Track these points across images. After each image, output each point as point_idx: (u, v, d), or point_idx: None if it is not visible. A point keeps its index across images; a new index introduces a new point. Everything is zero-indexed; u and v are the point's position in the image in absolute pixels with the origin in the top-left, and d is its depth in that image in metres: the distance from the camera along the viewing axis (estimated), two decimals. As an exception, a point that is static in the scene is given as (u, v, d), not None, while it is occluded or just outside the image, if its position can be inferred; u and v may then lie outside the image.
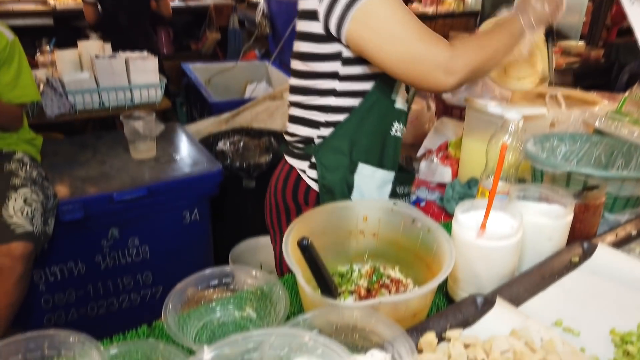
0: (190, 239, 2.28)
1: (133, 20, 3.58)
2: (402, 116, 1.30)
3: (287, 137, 1.33)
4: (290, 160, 1.31)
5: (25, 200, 1.76)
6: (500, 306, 0.78)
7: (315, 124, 1.25)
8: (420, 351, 0.70)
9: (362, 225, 1.01)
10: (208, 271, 0.88)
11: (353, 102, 1.21)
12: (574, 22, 4.60)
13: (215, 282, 0.89)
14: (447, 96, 1.92)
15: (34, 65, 2.72)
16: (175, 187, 2.15)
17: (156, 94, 2.86)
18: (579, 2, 4.44)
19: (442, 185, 1.67)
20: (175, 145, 2.53)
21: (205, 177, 2.21)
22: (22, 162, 1.93)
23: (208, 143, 2.62)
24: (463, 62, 1.08)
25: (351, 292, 0.93)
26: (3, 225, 1.68)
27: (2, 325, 1.70)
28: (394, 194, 1.31)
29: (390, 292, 0.93)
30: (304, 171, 1.28)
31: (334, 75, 1.18)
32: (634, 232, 1.07)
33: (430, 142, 1.81)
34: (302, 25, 1.18)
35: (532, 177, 1.31)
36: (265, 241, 2.09)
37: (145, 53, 2.87)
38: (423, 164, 1.73)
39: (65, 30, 4.42)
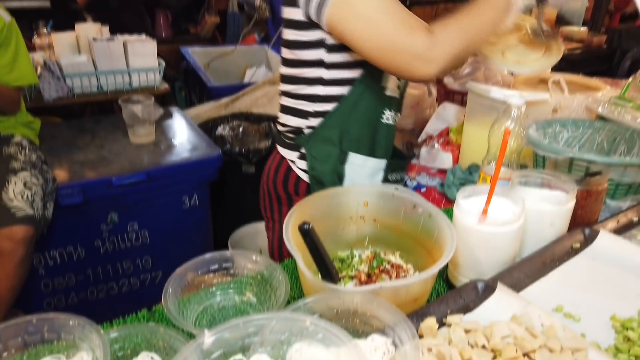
0: (190, 224, 2.28)
1: (124, 1, 3.52)
2: (394, 103, 1.28)
3: (279, 127, 1.32)
4: (281, 150, 1.30)
5: (25, 184, 1.75)
6: (501, 292, 0.78)
7: (304, 114, 1.23)
8: (420, 336, 0.69)
9: (362, 211, 1.01)
10: (208, 256, 0.87)
11: (341, 90, 1.19)
12: (576, 8, 4.56)
13: (215, 266, 0.88)
14: (448, 81, 1.91)
15: (31, 48, 2.69)
16: (174, 172, 2.14)
17: (155, 78, 2.83)
18: (583, -13, 4.41)
19: (442, 171, 1.66)
20: (174, 129, 2.52)
21: (205, 162, 2.20)
22: (21, 146, 1.92)
23: (207, 128, 2.61)
24: (443, 50, 1.03)
25: (351, 278, 0.92)
26: (4, 208, 1.68)
27: (2, 309, 1.71)
28: (385, 182, 1.30)
29: (390, 277, 0.93)
30: (293, 162, 1.27)
31: (319, 63, 1.16)
32: (635, 219, 1.07)
33: (431, 128, 1.80)
34: (286, 12, 1.16)
35: (533, 163, 1.30)
36: (264, 226, 2.10)
37: (143, 36, 2.84)
38: (424, 150, 1.72)
39: (63, 12, 4.35)
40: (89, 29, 2.80)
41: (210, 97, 3.01)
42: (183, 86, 4.06)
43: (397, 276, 0.93)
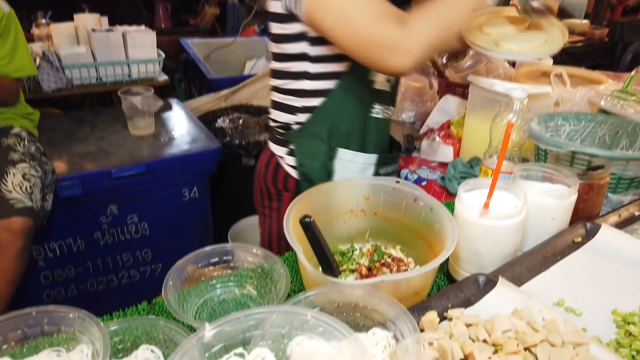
0: (190, 217, 2.28)
1: None
2: (385, 97, 1.25)
3: (270, 123, 1.30)
4: (271, 146, 1.29)
5: (24, 176, 1.75)
6: (502, 286, 0.78)
7: (292, 110, 1.21)
8: (421, 330, 0.69)
9: (363, 204, 1.00)
10: (208, 249, 0.87)
11: (328, 84, 1.16)
12: (578, 1, 4.54)
13: (216, 259, 0.88)
14: (450, 74, 1.90)
15: (29, 38, 2.67)
16: (174, 164, 2.14)
17: (154, 69, 2.82)
18: (585, -20, 4.38)
19: (443, 165, 1.65)
20: (174, 122, 2.51)
21: (205, 155, 2.20)
22: (19, 137, 1.91)
23: (207, 120, 2.60)
24: (418, 41, 0.98)
25: (352, 271, 0.92)
26: (2, 200, 1.67)
27: (1, 303, 1.70)
28: (377, 176, 1.28)
29: (391, 271, 0.92)
30: (282, 158, 1.26)
31: (304, 57, 1.14)
32: (637, 213, 1.06)
33: (432, 121, 1.79)
34: (269, 5, 1.14)
35: (535, 156, 1.30)
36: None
37: (142, 27, 2.82)
38: (424, 143, 1.71)
39: (62, 2, 4.34)
40: (87, 20, 2.79)
41: (210, 89, 3.00)
42: (183, 78, 4.04)
43: (398, 270, 0.93)
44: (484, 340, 0.66)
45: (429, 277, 0.84)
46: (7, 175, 1.73)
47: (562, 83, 1.57)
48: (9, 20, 1.85)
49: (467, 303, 0.76)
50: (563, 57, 3.51)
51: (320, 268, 0.82)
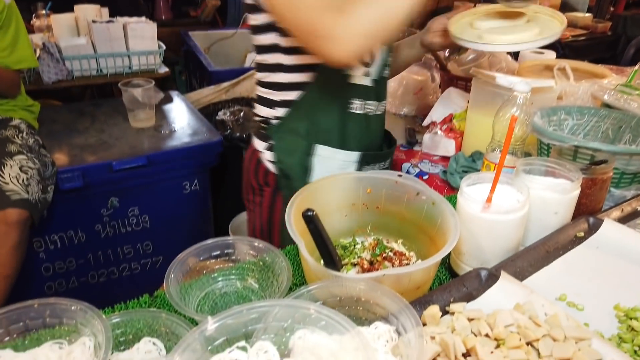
0: (190, 209, 2.28)
1: None
2: (367, 91, 1.21)
3: (254, 117, 1.29)
4: (254, 141, 1.27)
5: (20, 168, 1.74)
6: (505, 280, 0.78)
7: (270, 104, 1.20)
8: (423, 324, 0.69)
9: (365, 198, 1.00)
10: (210, 242, 0.87)
11: (303, 77, 1.14)
12: (581, -6, 4.51)
13: (217, 252, 0.88)
14: (452, 67, 1.89)
15: (30, 29, 2.66)
16: (174, 157, 2.13)
17: (155, 61, 2.81)
18: (588, -27, 4.36)
19: (445, 159, 1.65)
20: (175, 114, 2.50)
21: (205, 147, 2.19)
22: (18, 129, 1.90)
23: (208, 112, 2.59)
24: (353, 29, 0.94)
25: (354, 265, 0.92)
26: (-1, 191, 1.67)
27: (-1, 299, 1.69)
28: None
29: (393, 265, 0.92)
30: (262, 153, 1.24)
31: (276, 48, 1.12)
32: (639, 208, 1.06)
33: (435, 114, 1.78)
34: None
35: (538, 150, 1.29)
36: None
37: (143, 18, 2.80)
38: (426, 137, 1.71)
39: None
40: (88, 11, 2.77)
41: (211, 82, 2.98)
42: (183, 70, 4.02)
43: (400, 264, 0.93)
44: (486, 335, 0.66)
45: (431, 271, 0.83)
46: (4, 167, 1.72)
47: (566, 77, 1.57)
48: (9, 12, 1.84)
49: (470, 297, 0.76)
50: (565, 51, 3.49)
51: (322, 261, 0.82)
